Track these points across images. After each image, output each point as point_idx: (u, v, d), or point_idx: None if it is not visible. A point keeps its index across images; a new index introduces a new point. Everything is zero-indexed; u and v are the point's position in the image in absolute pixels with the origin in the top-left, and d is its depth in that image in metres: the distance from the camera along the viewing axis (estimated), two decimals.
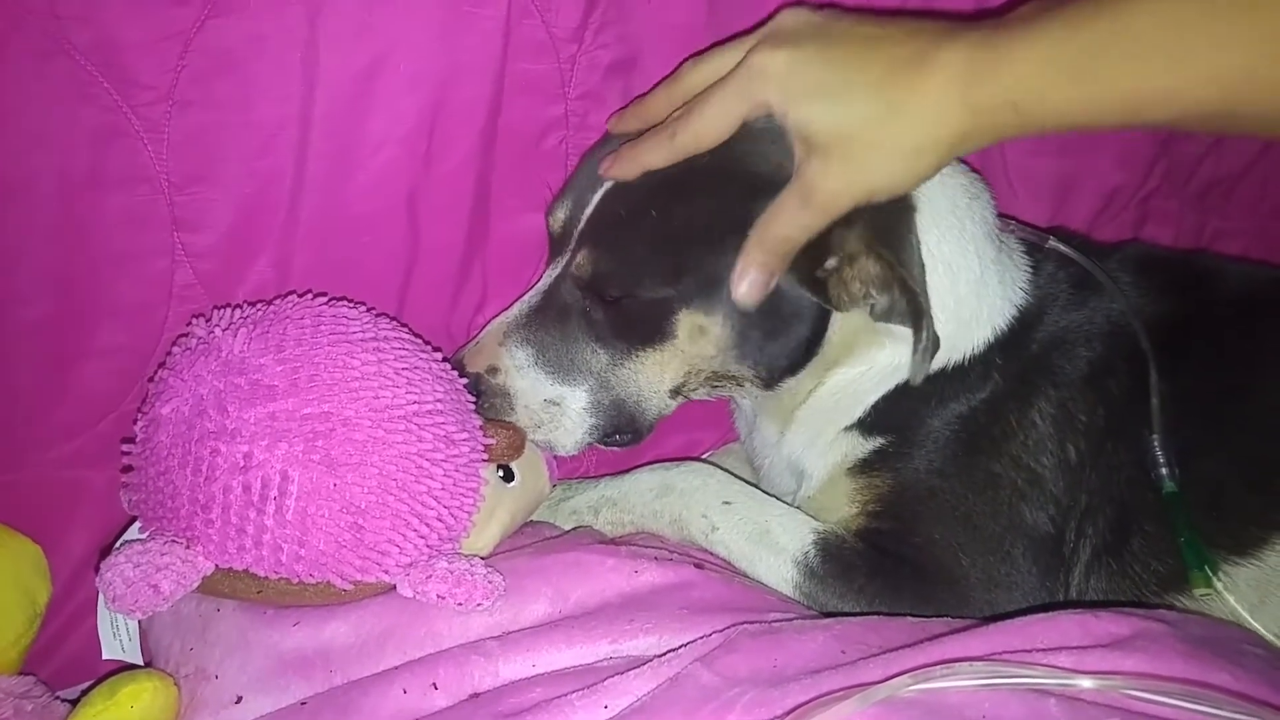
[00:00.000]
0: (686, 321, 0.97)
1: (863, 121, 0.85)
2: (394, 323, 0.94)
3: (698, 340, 0.98)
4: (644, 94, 1.03)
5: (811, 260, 0.94)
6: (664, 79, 1.01)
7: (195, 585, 0.83)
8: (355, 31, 0.96)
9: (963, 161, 1.08)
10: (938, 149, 0.85)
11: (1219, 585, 0.92)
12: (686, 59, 1.00)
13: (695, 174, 0.94)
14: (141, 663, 0.94)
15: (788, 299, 0.97)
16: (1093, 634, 0.76)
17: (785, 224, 0.90)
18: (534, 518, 1.06)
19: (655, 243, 0.96)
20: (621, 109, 1.04)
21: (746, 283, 0.93)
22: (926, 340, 0.92)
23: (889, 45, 0.86)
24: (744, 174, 0.93)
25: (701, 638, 0.82)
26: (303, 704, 0.84)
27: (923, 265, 0.96)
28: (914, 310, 0.92)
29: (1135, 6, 0.76)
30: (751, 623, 0.84)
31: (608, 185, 0.97)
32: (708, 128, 0.92)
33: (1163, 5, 0.75)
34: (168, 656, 0.91)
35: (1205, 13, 0.74)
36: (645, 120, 0.99)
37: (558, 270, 1.01)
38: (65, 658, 1.05)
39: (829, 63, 0.87)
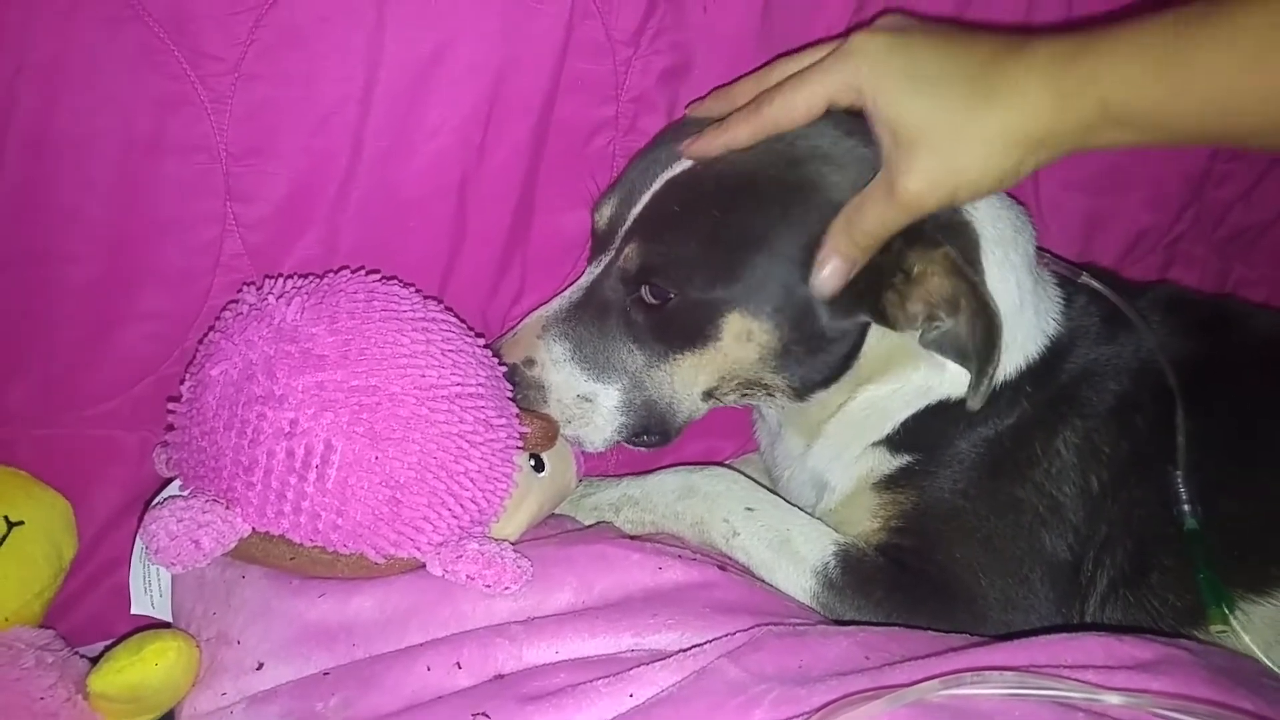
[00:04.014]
0: (735, 324, 0.97)
1: (951, 112, 0.83)
2: (441, 305, 0.96)
3: (743, 344, 0.98)
4: (728, 83, 1.03)
5: (872, 275, 0.95)
6: (752, 71, 1.01)
7: (233, 546, 0.84)
8: (421, 18, 0.97)
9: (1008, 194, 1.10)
10: (1026, 143, 0.82)
11: (1235, 623, 0.92)
12: (778, 57, 1.00)
13: (767, 183, 0.95)
14: (170, 620, 0.94)
15: (834, 318, 0.98)
16: (1116, 656, 0.77)
17: (870, 218, 0.89)
18: (556, 512, 1.07)
19: (712, 242, 0.96)
20: (700, 98, 1.05)
21: (829, 270, 0.92)
22: (994, 365, 0.92)
23: (985, 40, 0.85)
24: (817, 195, 0.94)
25: (725, 635, 0.83)
26: (325, 674, 0.84)
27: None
28: (988, 333, 0.91)
29: (1238, 8, 0.73)
30: (775, 624, 0.85)
31: (659, 184, 0.98)
32: (796, 103, 0.91)
33: (1270, 8, 0.72)
34: (190, 620, 0.92)
35: None
36: (730, 105, 0.99)
37: (601, 267, 1.02)
38: (83, 616, 1.05)
39: (926, 50, 0.86)
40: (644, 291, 0.98)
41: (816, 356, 1.00)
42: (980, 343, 0.92)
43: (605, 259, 1.01)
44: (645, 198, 0.99)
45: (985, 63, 0.83)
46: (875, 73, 0.86)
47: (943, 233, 0.93)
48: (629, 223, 1.00)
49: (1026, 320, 1.04)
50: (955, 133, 0.83)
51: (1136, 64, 0.77)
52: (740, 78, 1.02)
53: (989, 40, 0.85)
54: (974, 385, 0.94)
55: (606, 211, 1.03)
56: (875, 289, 0.96)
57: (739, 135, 0.94)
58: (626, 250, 0.98)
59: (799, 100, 0.91)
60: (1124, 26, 0.79)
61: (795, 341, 0.98)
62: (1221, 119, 0.77)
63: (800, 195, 0.95)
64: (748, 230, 0.95)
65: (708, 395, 1.03)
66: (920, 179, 0.85)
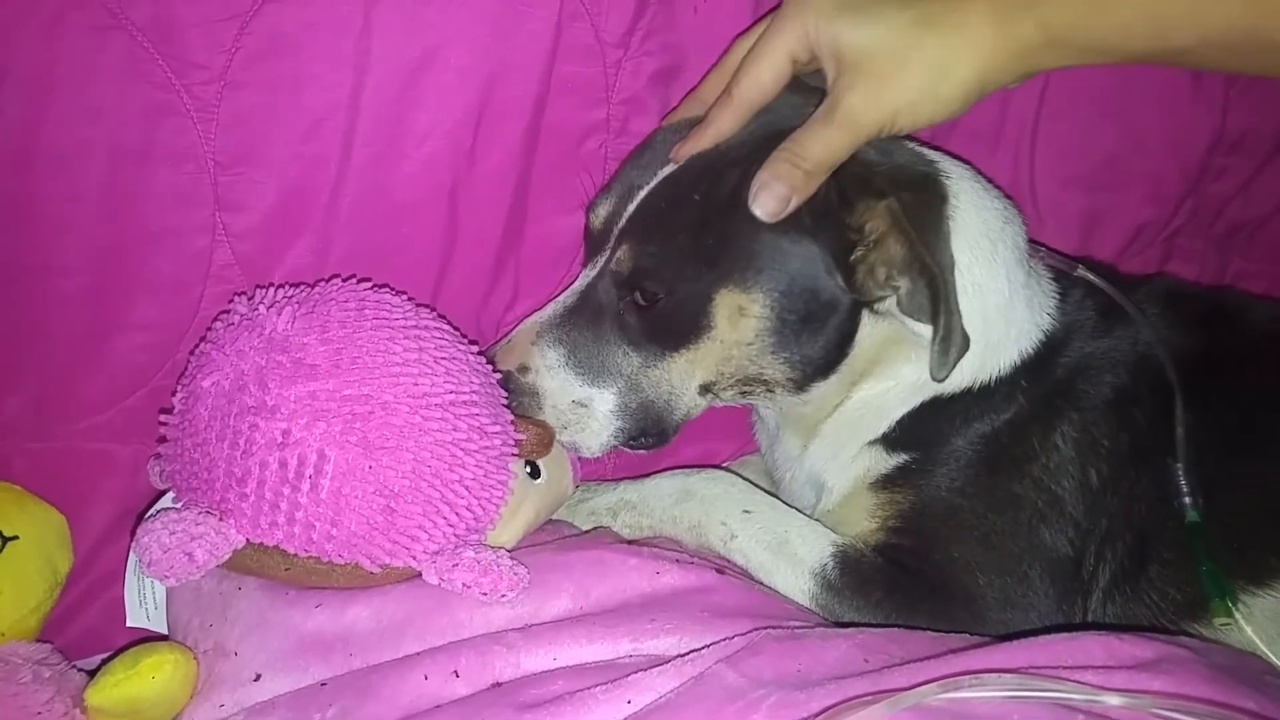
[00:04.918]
0: (726, 303, 0.96)
1: (892, 36, 0.85)
2: (434, 313, 0.95)
3: (737, 323, 0.97)
4: (695, 86, 1.04)
5: (844, 244, 0.95)
6: (712, 66, 1.03)
7: (226, 557, 0.84)
8: (409, 23, 0.97)
9: (996, 187, 1.09)
10: (965, 72, 0.84)
11: (1238, 616, 0.92)
12: (735, 39, 1.02)
13: (731, 147, 0.95)
14: (165, 632, 0.94)
15: (823, 283, 0.97)
16: (1116, 655, 0.77)
17: (810, 140, 0.90)
18: (553, 517, 1.07)
19: (695, 228, 0.96)
20: (674, 108, 1.06)
21: (765, 193, 0.91)
22: (945, 328, 0.91)
23: None
24: (773, 134, 0.94)
25: (723, 640, 0.82)
26: (322, 685, 0.84)
27: (952, 258, 0.95)
28: (931, 292, 0.91)
29: None
30: (774, 628, 0.85)
31: (653, 183, 0.98)
32: (763, 75, 0.93)
33: None
34: (186, 632, 0.92)
35: None
36: (702, 104, 1.00)
37: (595, 271, 1.01)
38: (81, 629, 1.05)
39: None
40: (636, 294, 0.98)
41: (810, 328, 0.98)
42: (930, 302, 0.92)
43: (600, 261, 1.01)
44: (639, 196, 0.99)
45: None
46: (819, 14, 0.88)
47: (900, 185, 0.93)
48: (623, 222, 0.99)
49: (1018, 315, 1.03)
50: (897, 56, 0.85)
51: None
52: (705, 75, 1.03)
53: None
54: (933, 348, 0.93)
55: (602, 211, 1.03)
56: (847, 258, 0.95)
57: (723, 125, 0.96)
58: (619, 253, 0.98)
59: (764, 70, 0.93)
60: None
61: (787, 310, 0.97)
62: (1160, 37, 0.80)
63: (761, 142, 0.94)
64: (723, 199, 0.95)
65: (705, 390, 1.02)
66: (860, 97, 0.87)
